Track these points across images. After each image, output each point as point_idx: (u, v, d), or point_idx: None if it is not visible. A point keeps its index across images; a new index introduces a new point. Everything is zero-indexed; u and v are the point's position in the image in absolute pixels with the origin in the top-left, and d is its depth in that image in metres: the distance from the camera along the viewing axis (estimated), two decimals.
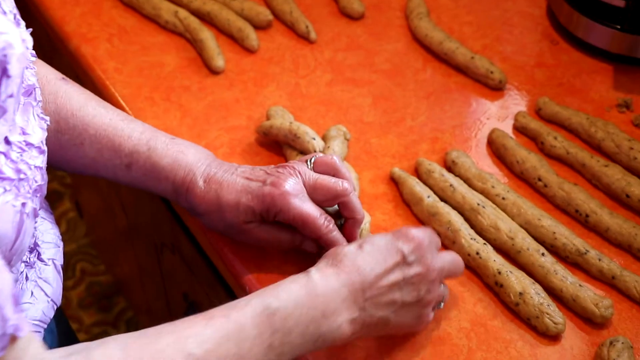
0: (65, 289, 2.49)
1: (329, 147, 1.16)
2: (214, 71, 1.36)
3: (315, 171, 1.03)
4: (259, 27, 1.44)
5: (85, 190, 2.19)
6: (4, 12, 0.72)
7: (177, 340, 0.78)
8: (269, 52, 1.40)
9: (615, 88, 1.33)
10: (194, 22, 1.41)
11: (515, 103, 1.31)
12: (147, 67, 1.37)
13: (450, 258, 0.99)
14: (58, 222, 2.52)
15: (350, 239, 1.03)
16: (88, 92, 1.09)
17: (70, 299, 2.49)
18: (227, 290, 1.21)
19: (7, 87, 0.71)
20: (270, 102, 1.30)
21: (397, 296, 0.91)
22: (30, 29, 0.79)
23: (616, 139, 1.19)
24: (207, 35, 1.38)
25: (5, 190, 0.75)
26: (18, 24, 0.79)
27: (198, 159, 1.04)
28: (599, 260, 1.05)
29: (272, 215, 0.99)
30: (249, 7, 1.44)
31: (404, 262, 0.92)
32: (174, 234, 1.38)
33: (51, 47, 1.56)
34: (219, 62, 1.35)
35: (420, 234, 0.94)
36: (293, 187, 0.99)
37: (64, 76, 1.08)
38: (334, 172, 1.03)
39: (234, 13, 1.43)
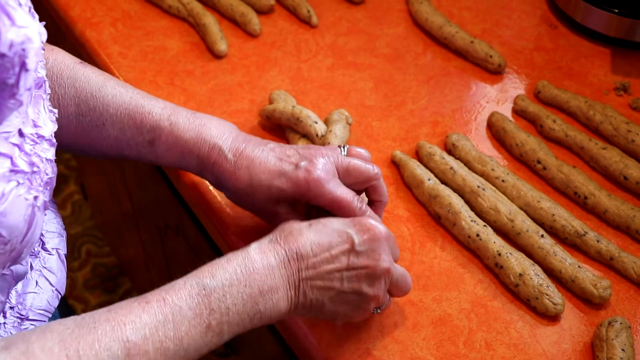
0: (70, 270, 2.51)
1: (331, 130, 1.17)
2: (217, 55, 1.37)
3: None
4: (261, 11, 1.45)
5: (91, 173, 2.20)
6: (20, 4, 0.72)
7: (113, 328, 0.77)
8: (271, 37, 1.41)
9: (613, 71, 1.34)
10: (197, 6, 1.42)
11: (514, 86, 1.32)
12: (151, 52, 1.38)
13: (401, 270, 0.96)
14: (63, 205, 2.54)
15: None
16: (106, 73, 1.08)
17: (75, 280, 2.51)
18: None
19: (26, 80, 0.72)
20: (273, 86, 1.32)
21: (337, 284, 0.89)
22: (44, 22, 0.80)
23: (614, 121, 1.21)
24: (210, 20, 1.39)
25: (19, 184, 0.76)
26: (33, 16, 0.80)
27: (222, 132, 1.02)
28: (598, 241, 1.07)
29: (306, 199, 0.98)
30: None
31: (351, 250, 0.89)
32: (178, 216, 1.39)
33: (56, 31, 1.57)
34: (222, 46, 1.36)
35: (380, 227, 0.91)
36: (326, 171, 0.97)
37: (81, 60, 1.08)
38: (365, 160, 1.03)
39: None
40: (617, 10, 1.34)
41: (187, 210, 1.30)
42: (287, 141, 1.21)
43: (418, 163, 1.17)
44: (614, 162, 1.16)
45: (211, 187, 1.15)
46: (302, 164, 0.98)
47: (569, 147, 1.21)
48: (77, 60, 1.07)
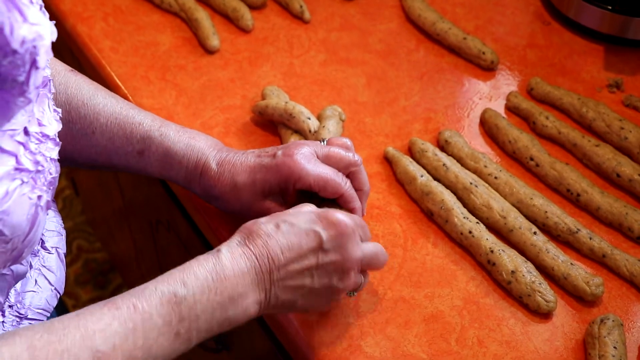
0: None
1: (324, 126, 1.16)
2: (209, 51, 1.36)
3: None
4: (253, 7, 1.44)
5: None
6: (32, 2, 0.72)
7: (83, 336, 0.76)
8: (264, 32, 1.41)
9: (606, 68, 1.34)
10: (189, 1, 1.41)
11: (507, 83, 1.32)
12: (142, 47, 1.37)
13: (372, 248, 0.95)
14: (54, 200, 2.53)
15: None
16: (97, 83, 1.08)
17: (67, 276, 2.48)
18: None
19: (36, 79, 0.71)
20: (265, 81, 1.31)
21: (307, 281, 0.90)
22: (54, 21, 0.79)
23: (607, 119, 1.21)
24: (202, 15, 1.39)
25: (23, 182, 0.76)
26: (44, 15, 0.79)
27: (209, 145, 1.04)
28: (590, 239, 1.07)
29: (292, 185, 0.99)
30: None
31: (320, 248, 0.89)
32: (169, 212, 1.39)
33: None
34: (214, 41, 1.36)
35: (346, 220, 0.91)
36: (305, 153, 0.99)
37: (72, 68, 1.08)
38: (345, 149, 1.03)
39: None
40: (610, 7, 1.34)
41: (179, 205, 1.30)
42: (280, 137, 1.20)
43: (411, 159, 1.17)
44: (607, 160, 1.16)
45: None
46: (280, 152, 1.00)
47: (562, 144, 1.21)
48: (69, 68, 1.08)
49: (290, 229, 0.89)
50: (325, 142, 1.04)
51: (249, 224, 0.91)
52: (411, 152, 1.20)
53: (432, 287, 1.04)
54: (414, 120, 1.26)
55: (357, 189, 1.03)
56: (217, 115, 1.25)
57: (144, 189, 1.53)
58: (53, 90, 0.86)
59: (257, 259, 0.87)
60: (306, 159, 0.98)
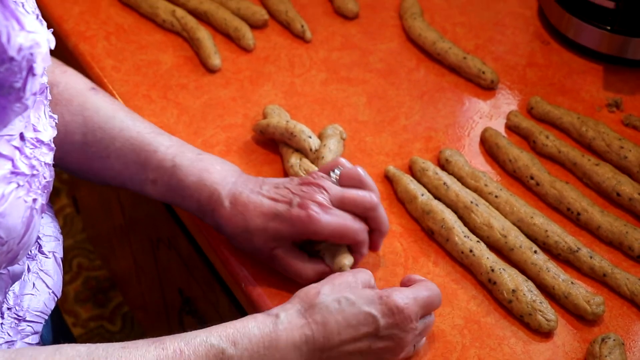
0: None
1: (324, 145, 1.17)
2: (210, 70, 1.37)
3: (340, 184, 1.03)
4: (255, 26, 1.45)
5: (83, 186, 2.19)
6: (27, 13, 0.74)
7: None
8: (265, 51, 1.41)
9: (606, 88, 1.34)
10: (191, 21, 1.42)
11: (507, 102, 1.33)
12: (144, 65, 1.38)
13: (431, 320, 0.96)
14: (55, 217, 2.53)
15: (374, 248, 1.05)
16: (117, 102, 1.08)
17: (66, 294, 2.50)
18: (222, 287, 1.23)
19: (33, 85, 0.73)
20: (266, 100, 1.32)
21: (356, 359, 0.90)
22: (52, 29, 0.80)
23: (607, 138, 1.21)
24: (203, 34, 1.39)
25: (19, 186, 0.77)
26: (41, 24, 0.81)
27: (224, 177, 1.03)
28: (591, 257, 1.07)
29: (305, 237, 0.99)
30: (245, 7, 1.45)
31: (375, 334, 0.89)
32: (170, 230, 1.39)
33: None
34: (215, 60, 1.36)
35: (408, 305, 0.90)
36: (320, 205, 0.98)
37: (94, 85, 1.08)
38: (360, 185, 1.02)
39: (231, 12, 1.44)
40: (609, 28, 1.34)
41: (179, 223, 1.30)
42: (281, 155, 1.21)
43: (411, 178, 1.17)
44: (607, 179, 1.16)
45: None
46: (295, 201, 0.99)
47: (562, 163, 1.21)
48: (90, 85, 1.08)
49: (350, 309, 0.88)
50: (337, 174, 1.03)
51: (310, 291, 0.90)
52: (412, 171, 1.20)
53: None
54: (415, 139, 1.26)
55: (375, 229, 1.03)
56: (218, 134, 1.25)
57: (145, 207, 1.53)
58: (49, 97, 0.87)
59: (313, 335, 0.86)
60: (322, 210, 0.98)
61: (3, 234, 0.76)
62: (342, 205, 1.00)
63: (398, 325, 0.89)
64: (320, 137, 1.20)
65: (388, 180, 1.19)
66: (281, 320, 0.86)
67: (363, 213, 1.01)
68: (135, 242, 1.80)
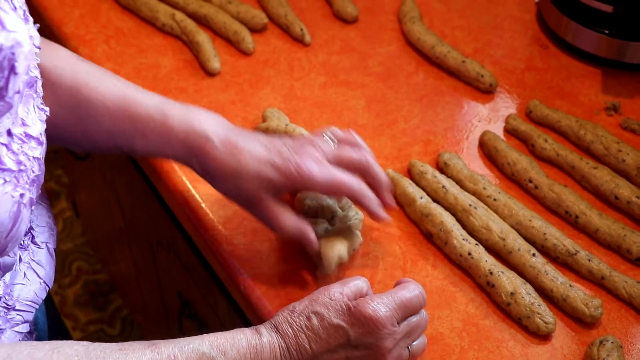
0: (61, 287, 2.50)
1: None
2: (210, 73, 1.37)
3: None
4: (254, 30, 1.45)
5: (82, 189, 2.20)
6: (14, 8, 0.74)
7: None
8: (264, 55, 1.42)
9: (604, 92, 1.35)
10: (190, 24, 1.42)
11: (505, 106, 1.33)
12: (144, 69, 1.38)
13: (418, 320, 0.95)
14: (55, 221, 2.54)
15: (385, 204, 1.05)
16: (102, 67, 1.10)
17: (66, 297, 2.50)
18: (222, 290, 1.23)
19: (15, 84, 0.73)
20: (266, 104, 1.32)
21: None
22: (38, 25, 0.81)
23: (605, 141, 1.21)
24: (203, 38, 1.40)
25: (5, 182, 0.78)
26: (27, 20, 0.81)
27: (215, 125, 1.03)
28: (589, 260, 1.07)
29: (296, 190, 1.02)
30: (244, 11, 1.45)
31: (347, 344, 0.89)
32: (169, 233, 1.39)
33: None
34: (215, 64, 1.37)
35: (378, 312, 0.89)
36: (316, 160, 1.00)
37: (80, 57, 1.10)
38: (354, 146, 1.05)
39: (230, 16, 1.45)
40: (607, 31, 1.34)
41: (179, 227, 1.30)
42: None
43: (410, 181, 1.17)
44: (605, 182, 1.16)
45: (203, 205, 1.16)
46: (291, 156, 1.00)
47: (560, 166, 1.21)
48: (77, 56, 1.09)
49: (320, 323, 0.89)
50: (330, 135, 1.05)
51: (289, 308, 0.92)
52: (410, 174, 1.20)
53: (432, 308, 1.04)
54: (414, 142, 1.27)
55: (372, 184, 1.04)
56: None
57: (145, 210, 1.54)
58: (40, 91, 0.88)
59: (288, 348, 0.88)
60: (317, 165, 1.00)
61: None
62: (337, 163, 1.02)
63: (370, 334, 0.89)
64: None
65: None
66: (264, 335, 0.88)
67: (359, 171, 1.03)
68: (134, 245, 1.80)
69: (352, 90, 1.36)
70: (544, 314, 1.01)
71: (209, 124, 1.03)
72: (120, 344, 0.81)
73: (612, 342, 0.98)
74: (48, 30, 1.50)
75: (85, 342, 0.80)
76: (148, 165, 1.24)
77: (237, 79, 1.37)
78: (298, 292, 1.06)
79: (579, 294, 1.03)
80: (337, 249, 1.04)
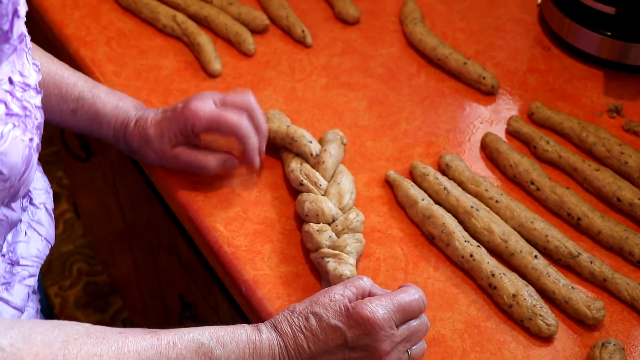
0: (62, 289, 2.50)
1: (325, 150, 1.17)
2: (211, 74, 1.37)
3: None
4: (255, 31, 1.45)
5: (83, 191, 2.20)
6: None
7: (118, 349, 0.79)
8: (266, 56, 1.41)
9: (606, 94, 1.35)
10: (191, 26, 1.42)
11: (507, 108, 1.33)
12: (145, 70, 1.38)
13: (419, 324, 0.94)
14: (55, 223, 2.54)
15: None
16: (33, 44, 1.15)
17: (67, 299, 2.50)
18: (223, 291, 1.23)
19: (18, 27, 0.80)
20: (267, 105, 1.32)
21: None
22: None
23: (607, 143, 1.21)
24: (204, 39, 1.39)
25: (15, 126, 0.83)
26: None
27: (134, 106, 1.19)
28: (591, 262, 1.07)
29: (191, 130, 1.13)
30: (245, 12, 1.45)
31: (345, 345, 0.89)
32: (170, 235, 1.39)
33: (50, 49, 1.57)
34: (216, 65, 1.37)
35: (376, 314, 0.89)
36: (202, 99, 1.13)
37: None
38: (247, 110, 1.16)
39: (231, 17, 1.45)
40: (609, 33, 1.34)
41: (180, 228, 1.30)
42: (281, 160, 1.21)
43: (412, 183, 1.17)
44: (607, 184, 1.16)
45: (204, 206, 1.15)
46: (180, 104, 1.15)
47: (563, 168, 1.21)
48: None
49: (318, 323, 0.90)
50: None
51: (289, 308, 0.92)
52: (412, 175, 1.20)
53: (434, 310, 1.04)
54: (415, 144, 1.26)
55: (256, 126, 1.16)
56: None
57: (145, 212, 1.53)
58: (29, 46, 0.93)
59: (287, 347, 0.89)
60: (202, 104, 1.13)
61: (6, 171, 0.82)
62: (223, 105, 1.15)
63: (368, 335, 0.89)
64: (321, 142, 1.20)
65: (389, 185, 1.20)
66: (264, 332, 0.89)
67: (243, 111, 1.15)
68: (135, 247, 1.80)
69: (353, 91, 1.35)
70: (546, 316, 1.01)
71: (130, 106, 1.19)
72: (121, 328, 0.83)
73: (614, 345, 0.98)
74: (49, 32, 1.49)
75: (86, 324, 0.82)
76: (149, 167, 1.24)
77: (239, 80, 1.37)
78: (299, 294, 1.06)
79: (581, 296, 1.03)
80: (347, 269, 1.03)
